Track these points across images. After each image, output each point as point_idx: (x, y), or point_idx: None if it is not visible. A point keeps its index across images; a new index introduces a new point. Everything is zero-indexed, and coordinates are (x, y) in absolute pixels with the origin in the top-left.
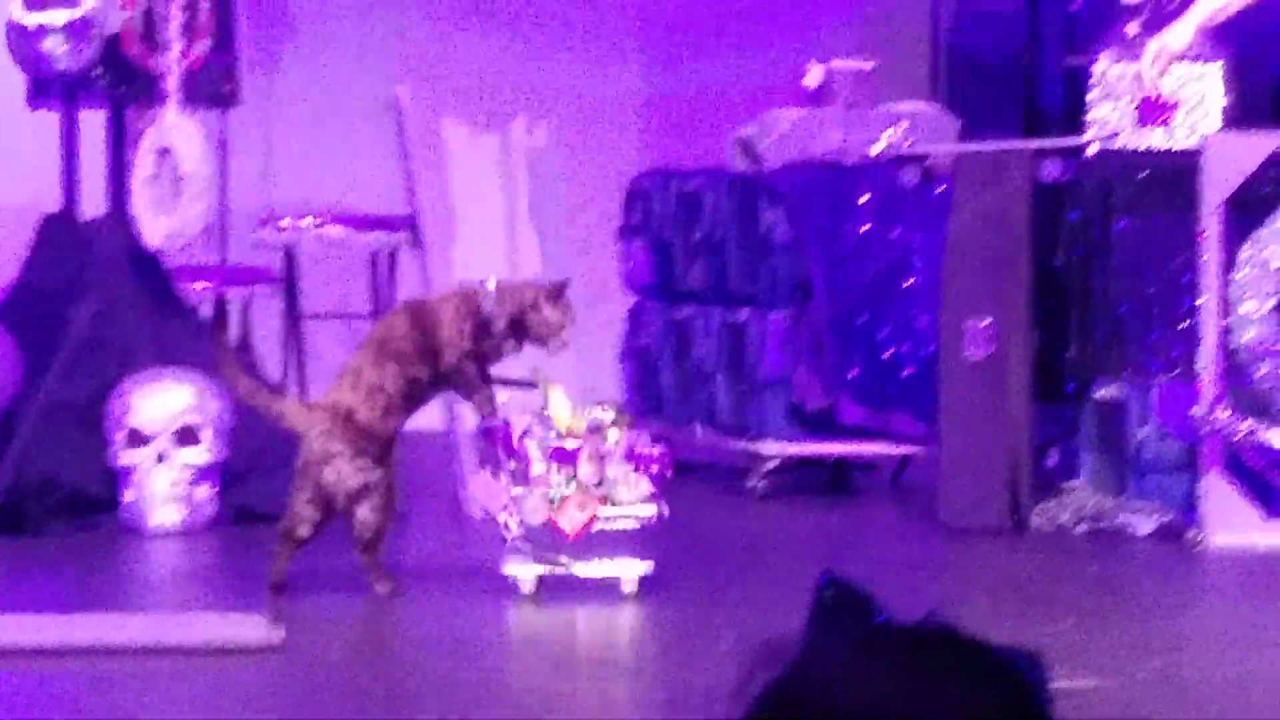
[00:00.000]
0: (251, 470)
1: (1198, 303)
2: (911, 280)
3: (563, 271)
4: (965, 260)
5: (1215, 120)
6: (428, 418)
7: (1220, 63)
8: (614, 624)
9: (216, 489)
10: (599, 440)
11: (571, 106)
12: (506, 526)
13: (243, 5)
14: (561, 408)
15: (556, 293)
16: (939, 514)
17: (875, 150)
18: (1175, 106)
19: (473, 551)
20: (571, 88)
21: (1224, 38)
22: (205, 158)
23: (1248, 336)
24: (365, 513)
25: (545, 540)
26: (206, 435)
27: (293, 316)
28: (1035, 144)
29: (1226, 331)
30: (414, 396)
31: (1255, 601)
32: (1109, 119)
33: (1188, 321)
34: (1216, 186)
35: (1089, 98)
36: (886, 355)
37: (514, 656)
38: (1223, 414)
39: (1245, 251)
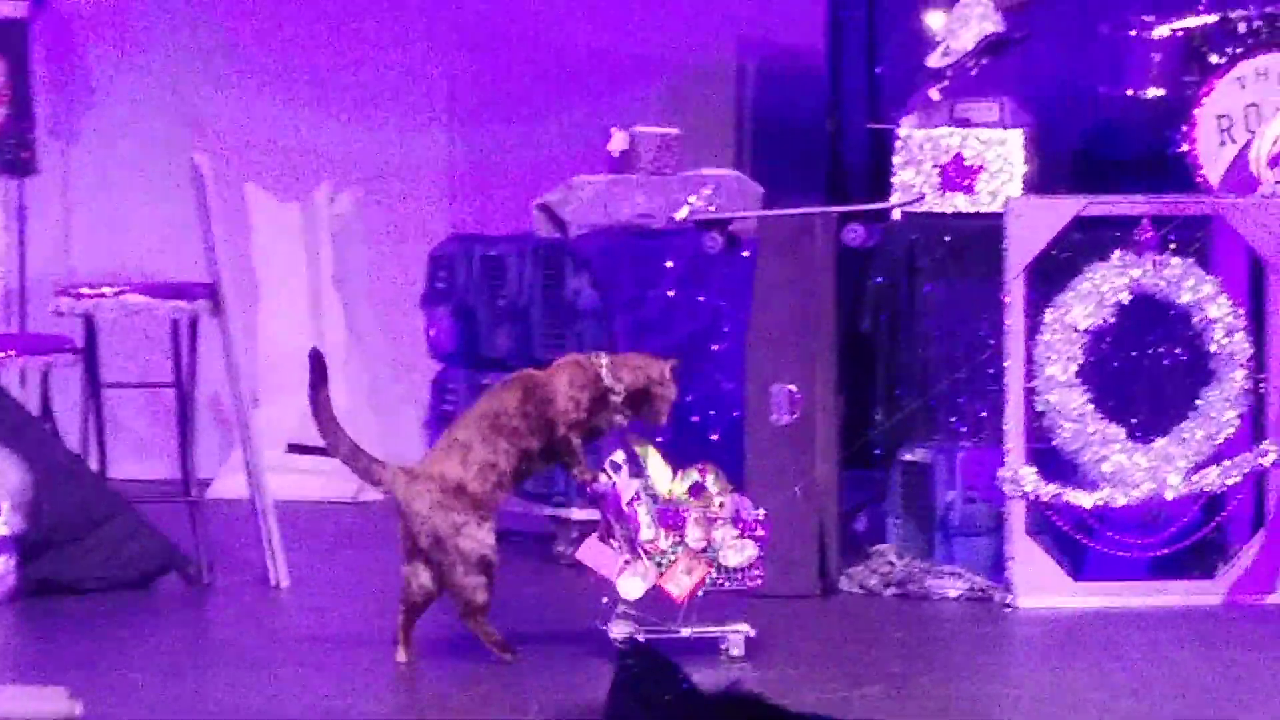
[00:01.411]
0: (51, 543)
1: (1003, 366)
2: (717, 345)
3: (366, 337)
4: (771, 325)
5: (1018, 185)
6: (235, 485)
7: (1022, 129)
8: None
9: (15, 561)
10: (706, 504)
11: (376, 172)
12: (618, 591)
13: (40, 73)
14: (661, 472)
15: (675, 370)
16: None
17: (680, 216)
18: (978, 171)
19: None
20: (377, 153)
21: (1026, 105)
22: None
23: (1053, 399)
24: (476, 581)
25: (653, 604)
26: (4, 508)
27: (93, 386)
28: (840, 209)
29: (1031, 394)
30: (524, 470)
31: (1063, 663)
32: (913, 183)
33: (993, 385)
34: (1020, 251)
35: (893, 162)
36: (693, 420)
37: None
38: (1028, 477)
39: (1049, 315)
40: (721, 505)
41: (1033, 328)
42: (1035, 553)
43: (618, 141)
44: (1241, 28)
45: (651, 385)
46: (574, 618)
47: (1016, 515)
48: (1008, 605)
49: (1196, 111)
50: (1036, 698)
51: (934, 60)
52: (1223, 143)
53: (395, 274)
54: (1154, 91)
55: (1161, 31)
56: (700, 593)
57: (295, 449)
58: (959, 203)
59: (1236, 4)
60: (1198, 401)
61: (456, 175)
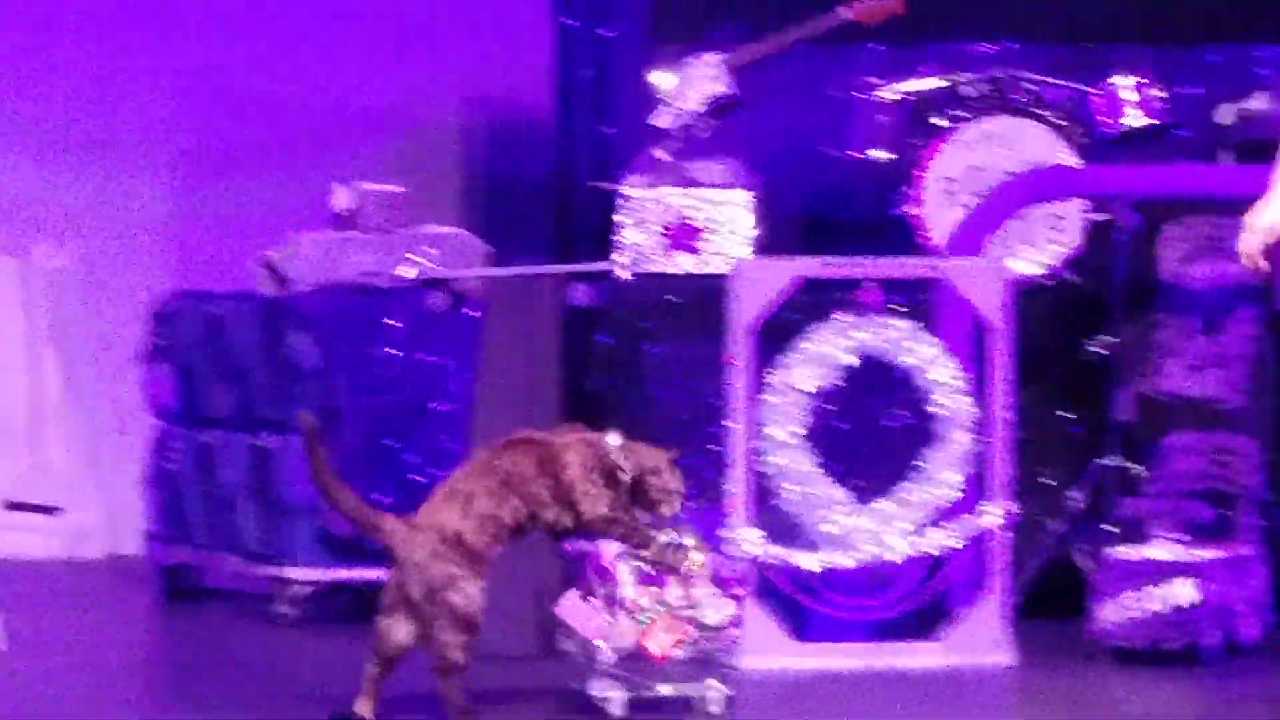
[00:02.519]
0: None
1: (727, 426)
2: (442, 405)
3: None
4: (496, 385)
5: (744, 246)
6: (30, 544)
7: (749, 190)
8: None
9: None
10: (685, 564)
11: (97, 228)
12: (598, 649)
13: None
14: None
15: (675, 460)
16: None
17: (405, 274)
18: (704, 232)
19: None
20: (98, 209)
21: (753, 166)
22: None
23: (777, 461)
24: (457, 639)
25: (633, 663)
26: None
27: None
28: (565, 268)
29: (755, 455)
30: (523, 530)
31: None
32: (639, 243)
33: (719, 447)
34: (745, 312)
35: (619, 221)
36: (416, 480)
37: None
38: (752, 538)
39: (773, 377)
40: (701, 564)
41: (757, 389)
42: (759, 614)
43: (341, 198)
44: (967, 92)
45: (647, 475)
46: (291, 680)
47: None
48: (732, 666)
49: (921, 174)
50: None
51: (662, 120)
52: (947, 205)
53: (117, 330)
54: (880, 154)
55: (888, 94)
56: (680, 651)
57: (13, 506)
58: (685, 263)
59: (962, 69)
60: (920, 463)
61: (181, 230)
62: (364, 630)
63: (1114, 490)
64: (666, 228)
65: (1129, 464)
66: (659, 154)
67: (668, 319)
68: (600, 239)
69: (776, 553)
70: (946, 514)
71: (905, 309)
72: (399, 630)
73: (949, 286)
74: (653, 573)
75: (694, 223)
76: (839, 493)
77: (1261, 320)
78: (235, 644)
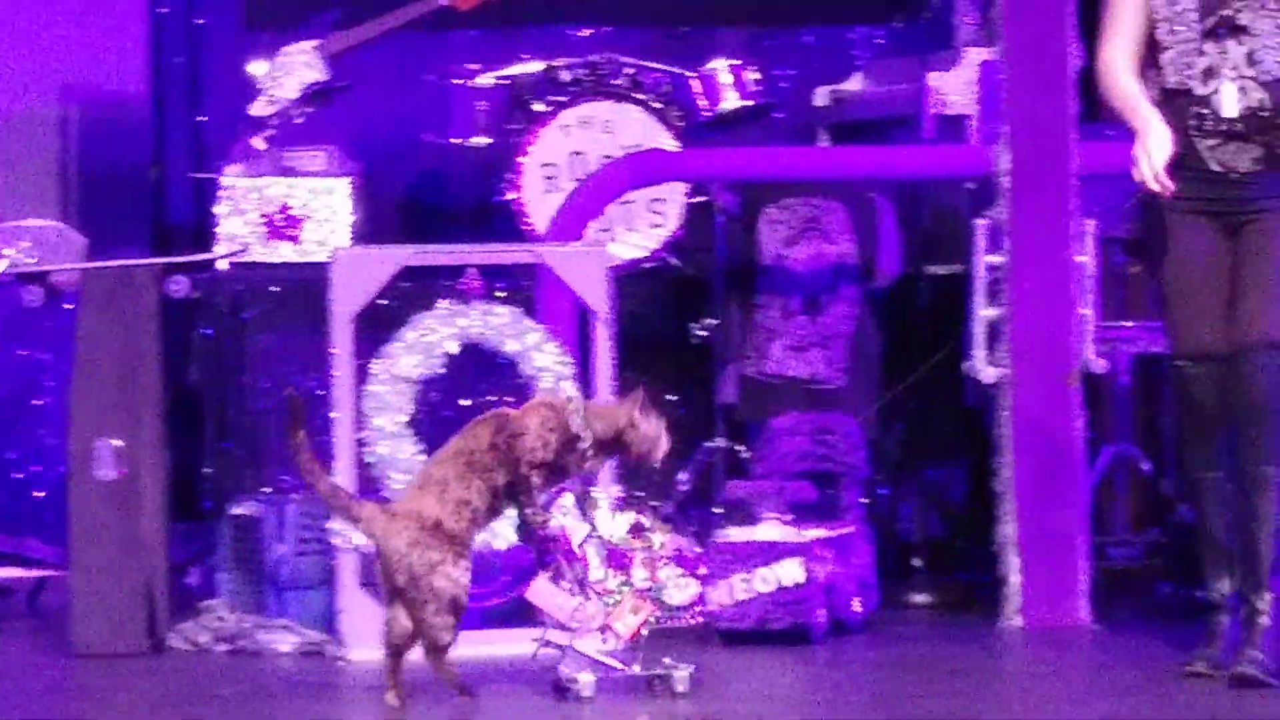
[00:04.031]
0: None
1: (331, 417)
2: (40, 400)
3: None
4: (94, 379)
5: (345, 235)
6: None
7: (349, 178)
8: None
9: None
10: (649, 544)
11: None
12: (567, 630)
13: None
14: (604, 513)
15: (645, 405)
16: (72, 638)
17: None
18: (303, 221)
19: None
20: None
21: (353, 153)
22: None
23: (382, 450)
24: (443, 621)
25: (602, 643)
26: None
27: None
28: (161, 260)
29: (360, 445)
30: (495, 509)
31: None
32: (238, 233)
33: (324, 436)
34: (347, 301)
35: (217, 211)
36: (17, 477)
37: None
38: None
39: (377, 366)
40: (663, 545)
41: (361, 378)
42: (367, 605)
43: None
44: (565, 76)
45: (624, 431)
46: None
47: (347, 568)
48: (340, 658)
49: (522, 160)
50: None
51: (258, 109)
52: (548, 190)
53: None
54: (480, 140)
55: (486, 80)
56: (645, 631)
57: None
58: (286, 253)
59: (559, 53)
60: None
61: None
62: None
63: (721, 472)
64: (266, 217)
65: (735, 446)
66: (257, 142)
67: (269, 309)
68: (199, 229)
69: None
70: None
71: (508, 295)
72: (402, 618)
73: (550, 272)
74: (619, 552)
75: (293, 211)
76: None
77: (861, 300)
78: None
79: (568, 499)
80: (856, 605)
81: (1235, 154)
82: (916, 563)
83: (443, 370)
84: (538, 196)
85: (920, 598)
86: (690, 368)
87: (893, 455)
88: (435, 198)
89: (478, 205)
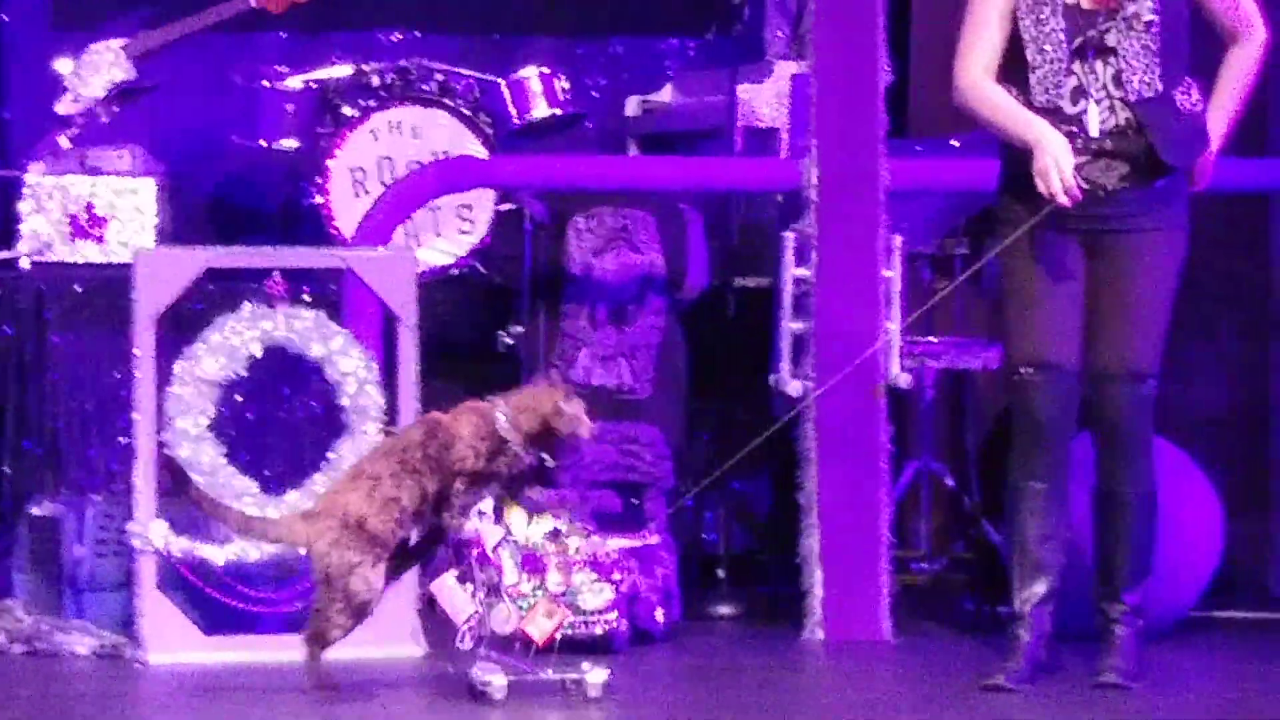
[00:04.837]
0: None
1: (133, 418)
2: None
3: None
4: None
5: (149, 235)
6: None
7: (155, 179)
8: None
9: None
10: (564, 549)
11: None
12: (471, 633)
13: None
14: (519, 518)
15: (565, 389)
16: None
17: None
18: (108, 221)
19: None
20: None
21: (159, 153)
22: None
23: (184, 452)
24: (339, 615)
25: (513, 647)
26: None
27: None
28: None
29: (162, 446)
30: (420, 513)
31: (196, 719)
32: (41, 232)
33: (125, 437)
34: (150, 302)
35: (20, 209)
36: None
37: None
38: (158, 531)
39: (179, 367)
40: (578, 550)
41: (164, 380)
42: (166, 607)
43: None
44: (374, 81)
45: (549, 419)
46: None
47: (147, 570)
48: (139, 661)
49: (330, 163)
50: None
51: (63, 107)
52: (356, 195)
53: None
54: (288, 142)
55: (295, 83)
56: (558, 635)
57: None
58: (89, 252)
59: (369, 57)
60: (330, 454)
61: None
62: None
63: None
64: (70, 216)
65: (540, 453)
66: (61, 141)
67: (72, 309)
68: (1, 227)
69: (184, 545)
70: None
71: (314, 300)
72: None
73: (356, 277)
74: (534, 556)
75: (98, 211)
76: (248, 484)
77: (668, 311)
78: None
79: (485, 503)
80: (659, 615)
81: (1103, 172)
82: (720, 574)
83: (247, 373)
84: (345, 201)
85: (724, 609)
86: (496, 375)
87: (698, 466)
88: (242, 200)
89: (285, 208)
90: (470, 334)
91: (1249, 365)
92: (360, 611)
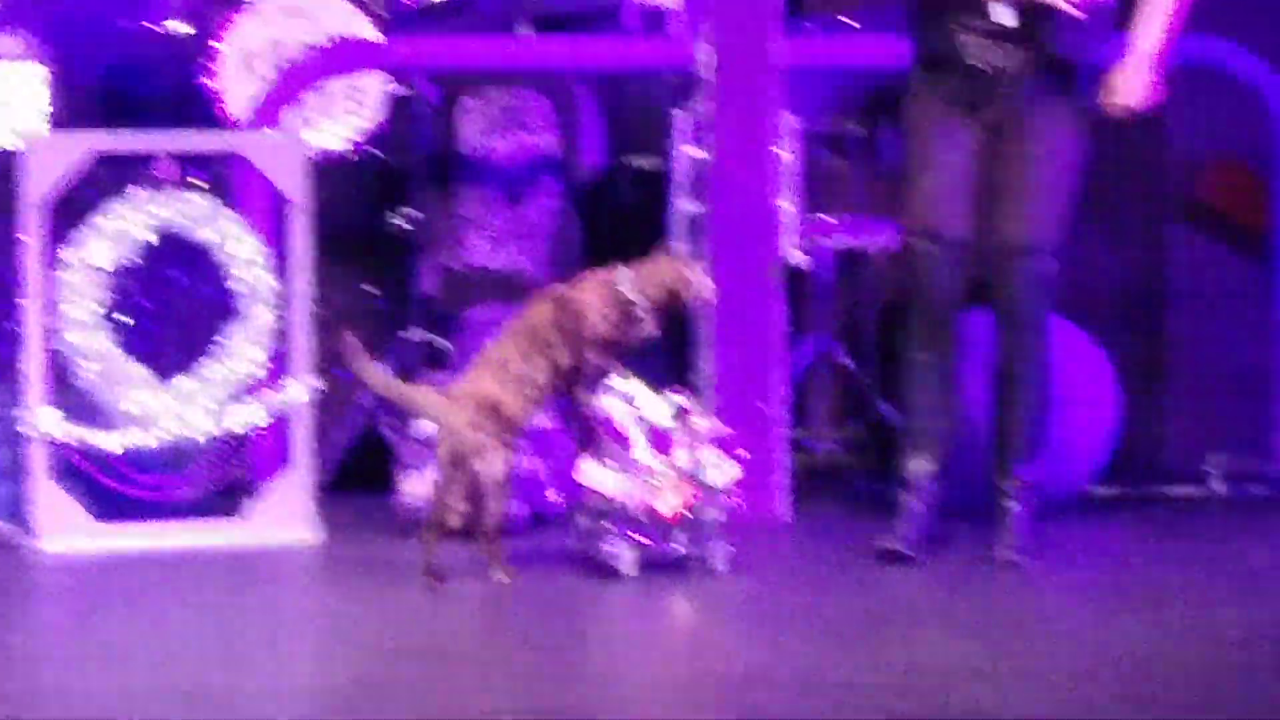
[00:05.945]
0: None
1: (21, 304)
2: None
3: None
4: None
5: (38, 121)
6: None
7: (42, 64)
8: None
9: None
10: (690, 426)
11: None
12: (613, 509)
13: None
14: (647, 396)
15: (679, 254)
16: None
17: None
18: None
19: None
20: None
21: (46, 38)
22: None
23: (74, 340)
24: (499, 505)
25: (644, 522)
26: None
27: None
28: None
29: (52, 333)
30: (556, 387)
31: (90, 606)
32: None
33: (12, 324)
34: (37, 188)
35: None
36: None
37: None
38: (49, 418)
39: (69, 254)
40: (705, 428)
41: (53, 267)
42: (58, 495)
43: None
44: None
45: (674, 288)
46: None
47: (38, 457)
48: (31, 549)
49: (220, 46)
50: (66, 644)
51: None
52: (246, 78)
53: None
54: (178, 26)
55: None
56: (686, 512)
57: None
58: None
59: None
60: (222, 340)
61: None
62: None
63: (418, 364)
64: None
65: (433, 337)
66: None
67: None
68: None
69: (76, 432)
70: (250, 390)
71: (205, 184)
72: (449, 499)
73: (247, 161)
74: (661, 433)
75: None
76: (139, 371)
77: (562, 193)
78: None
79: (614, 380)
80: (553, 496)
81: (1006, 56)
82: None
83: (137, 259)
84: (235, 84)
85: None
86: (389, 259)
87: None
88: (131, 85)
89: (175, 93)
90: (362, 217)
91: (1146, 243)
92: (477, 495)
